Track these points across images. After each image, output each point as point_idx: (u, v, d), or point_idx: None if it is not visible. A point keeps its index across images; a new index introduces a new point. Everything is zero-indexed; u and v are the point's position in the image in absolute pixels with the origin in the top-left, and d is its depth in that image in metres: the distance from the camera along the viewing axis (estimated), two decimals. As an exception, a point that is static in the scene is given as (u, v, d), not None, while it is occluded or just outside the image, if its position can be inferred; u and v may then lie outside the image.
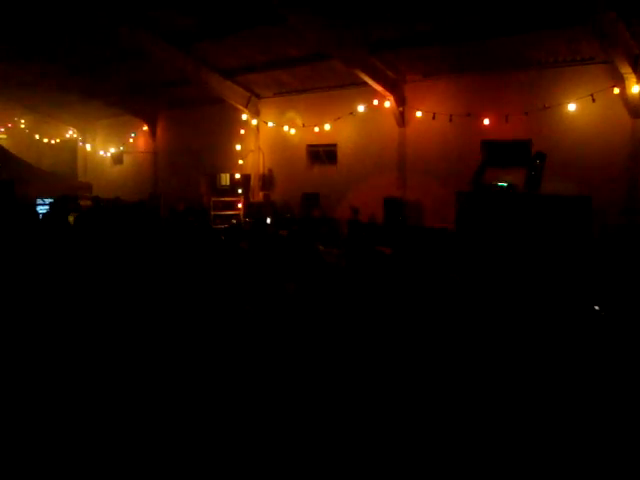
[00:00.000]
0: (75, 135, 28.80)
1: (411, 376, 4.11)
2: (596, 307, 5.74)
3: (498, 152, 13.33)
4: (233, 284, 5.47)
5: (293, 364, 4.31)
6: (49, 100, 24.54)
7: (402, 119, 15.06)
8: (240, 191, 19.27)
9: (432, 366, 4.18)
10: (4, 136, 29.26)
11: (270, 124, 18.50)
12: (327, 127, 16.48)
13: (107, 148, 26.79)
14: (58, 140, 28.74)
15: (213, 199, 19.72)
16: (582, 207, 10.23)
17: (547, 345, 4.33)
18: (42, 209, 16.85)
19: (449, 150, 14.03)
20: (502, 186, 11.46)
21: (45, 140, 28.72)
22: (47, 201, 17.97)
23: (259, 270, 5.87)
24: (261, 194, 18.78)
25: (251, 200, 19.09)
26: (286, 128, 17.78)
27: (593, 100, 11.59)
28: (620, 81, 11.35)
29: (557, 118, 12.25)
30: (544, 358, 4.17)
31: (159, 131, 24.28)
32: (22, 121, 29.27)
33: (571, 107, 11.98)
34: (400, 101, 14.93)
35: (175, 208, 17.92)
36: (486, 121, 13.20)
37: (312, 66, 15.90)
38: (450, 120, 13.71)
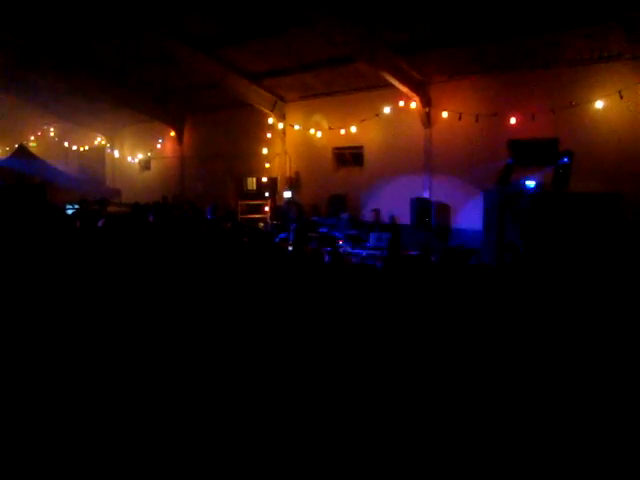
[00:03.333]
0: (103, 142, 29.10)
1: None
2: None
3: (525, 151, 13.28)
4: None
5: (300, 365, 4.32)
6: (78, 108, 24.87)
7: (428, 120, 15.06)
8: (267, 194, 19.39)
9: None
10: (34, 144, 29.70)
11: (296, 127, 18.60)
12: (353, 129, 16.51)
13: (135, 154, 27.04)
14: (87, 147, 29.06)
15: (240, 202, 19.88)
16: (612, 204, 10.19)
17: (581, 342, 4.29)
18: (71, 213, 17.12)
19: (475, 150, 14.01)
20: (530, 185, 11.42)
21: (74, 147, 29.07)
22: (75, 206, 18.19)
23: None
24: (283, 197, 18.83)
25: (278, 203, 19.19)
26: (312, 131, 17.88)
27: (621, 97, 11.49)
28: (648, 77, 11.30)
29: (584, 116, 12.16)
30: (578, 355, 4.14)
31: (186, 136, 24.45)
32: (51, 129, 29.70)
33: (598, 104, 11.90)
34: (426, 102, 14.93)
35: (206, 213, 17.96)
36: (512, 120, 13.16)
37: (338, 69, 15.95)
38: (476, 120, 13.69)
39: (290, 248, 14.02)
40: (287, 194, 17.99)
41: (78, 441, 3.80)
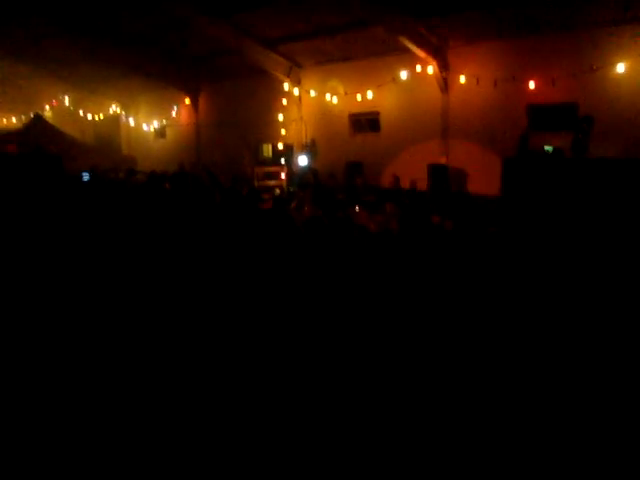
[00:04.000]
0: (118, 110, 29.05)
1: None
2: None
3: (544, 116, 13.14)
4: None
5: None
6: (92, 76, 24.80)
7: (445, 85, 14.91)
8: (283, 161, 19.32)
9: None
10: (49, 113, 29.73)
11: (312, 93, 18.46)
12: (369, 95, 16.37)
13: (150, 122, 27.01)
14: (102, 115, 29.03)
15: (256, 169, 19.82)
16: (633, 170, 10.08)
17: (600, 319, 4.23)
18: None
19: (493, 115, 13.88)
20: (548, 151, 11.31)
21: (89, 116, 29.05)
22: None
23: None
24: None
25: (294, 170, 19.13)
26: (328, 97, 17.74)
27: (643, 60, 11.34)
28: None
29: (605, 80, 11.98)
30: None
31: (201, 104, 24.37)
32: (66, 98, 29.66)
33: (620, 68, 11.71)
34: (443, 67, 14.76)
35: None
36: (531, 85, 13.00)
37: (354, 34, 15.78)
38: (494, 85, 13.53)
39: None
40: (303, 161, 17.84)
41: (78, 439, 3.80)
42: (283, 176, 19.23)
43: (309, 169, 17.19)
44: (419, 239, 5.80)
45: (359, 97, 16.70)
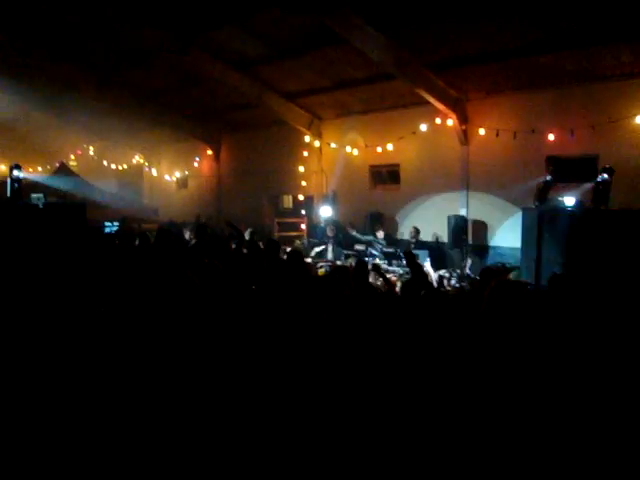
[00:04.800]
0: (141, 161, 29.50)
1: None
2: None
3: (564, 168, 13.10)
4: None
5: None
6: (116, 128, 25.25)
7: (465, 137, 15.01)
8: (303, 212, 19.45)
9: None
10: (74, 162, 30.23)
11: (333, 145, 18.64)
12: (389, 147, 16.47)
13: (172, 173, 27.38)
14: (125, 166, 29.47)
15: (277, 220, 19.98)
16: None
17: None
18: (109, 230, 17.40)
19: (513, 167, 13.89)
20: (569, 202, 11.29)
21: (113, 166, 29.50)
22: (115, 224, 18.45)
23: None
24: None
25: (314, 221, 19.23)
26: (349, 149, 17.86)
27: (662, 112, 11.36)
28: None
29: (624, 131, 11.98)
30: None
31: (223, 155, 24.69)
32: (91, 148, 30.20)
33: (638, 120, 11.75)
34: (463, 119, 14.87)
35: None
36: (551, 137, 13.03)
37: (374, 87, 16.00)
38: (514, 137, 13.57)
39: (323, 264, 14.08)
40: (326, 211, 17.76)
41: (77, 441, 3.81)
42: (303, 227, 19.35)
43: (331, 221, 17.16)
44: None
45: (379, 149, 16.81)
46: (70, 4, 14.53)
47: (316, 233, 17.69)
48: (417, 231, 15.15)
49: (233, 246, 10.65)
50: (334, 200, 17.72)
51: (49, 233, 11.14)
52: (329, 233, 15.52)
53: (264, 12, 13.48)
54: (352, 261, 13.49)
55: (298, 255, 7.32)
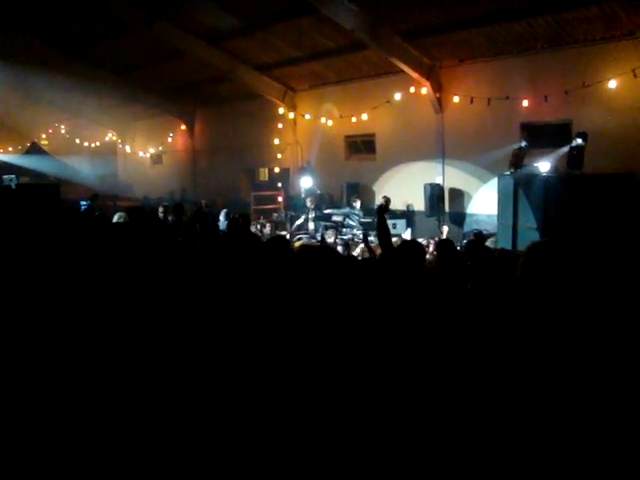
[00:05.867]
0: (114, 137, 29.20)
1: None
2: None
3: (538, 134, 13.20)
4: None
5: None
6: (88, 105, 24.94)
7: (439, 105, 14.99)
8: (280, 185, 19.38)
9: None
10: (46, 142, 29.85)
11: (307, 117, 18.54)
12: (364, 117, 16.40)
13: (146, 149, 27.15)
14: (98, 143, 29.17)
15: (253, 194, 19.90)
16: (627, 184, 10.13)
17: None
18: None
19: (488, 134, 13.91)
20: (544, 167, 11.35)
21: (85, 144, 29.17)
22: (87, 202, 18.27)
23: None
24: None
25: (291, 193, 19.18)
26: (323, 120, 17.77)
27: (635, 75, 11.35)
28: (662, 54, 11.18)
29: (598, 96, 12.00)
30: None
31: (197, 129, 24.52)
32: (62, 126, 29.80)
33: (612, 84, 11.76)
34: (437, 87, 14.84)
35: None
36: (525, 103, 13.04)
37: (347, 57, 15.92)
38: (488, 104, 13.56)
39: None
40: (307, 182, 17.33)
41: (77, 441, 3.79)
42: (280, 199, 19.28)
43: (312, 192, 16.97)
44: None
45: (354, 119, 16.75)
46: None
47: (294, 205, 17.61)
48: (387, 200, 15.13)
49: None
50: (312, 171, 17.61)
51: (23, 214, 11.01)
52: (309, 204, 15.40)
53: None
54: (331, 232, 13.50)
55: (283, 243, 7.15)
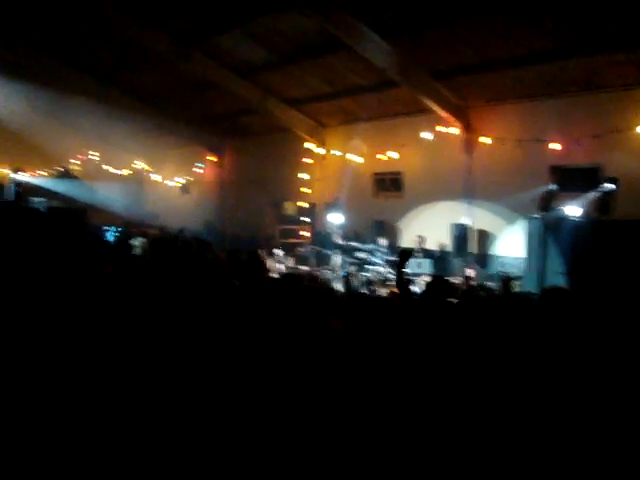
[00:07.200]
0: (144, 166, 29.46)
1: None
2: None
3: (568, 177, 13.10)
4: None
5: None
6: (120, 133, 25.21)
7: (468, 145, 14.95)
8: (308, 219, 19.37)
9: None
10: (77, 167, 30.19)
11: (336, 153, 18.58)
12: (393, 155, 16.43)
13: (175, 178, 27.32)
14: (127, 171, 29.43)
15: (279, 227, 19.92)
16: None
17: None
18: (110, 236, 17.32)
19: (517, 176, 13.79)
20: (573, 212, 11.26)
21: (114, 171, 29.43)
22: (114, 229, 18.39)
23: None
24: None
25: (317, 229, 19.16)
26: (352, 156, 17.80)
27: (666, 123, 11.30)
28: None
29: (629, 141, 11.93)
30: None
31: (226, 161, 24.66)
32: (92, 152, 30.13)
33: (643, 129, 11.70)
34: (466, 127, 14.84)
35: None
36: (555, 146, 12.97)
37: (378, 94, 15.95)
38: (518, 146, 13.53)
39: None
40: (337, 219, 17.25)
41: (77, 441, 3.78)
42: (307, 234, 19.25)
43: (337, 229, 16.88)
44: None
45: (383, 157, 16.77)
46: (71, 6, 14.56)
47: (322, 241, 17.57)
48: (422, 239, 15.05)
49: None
50: (342, 207, 17.58)
51: (51, 236, 11.11)
52: (337, 241, 15.41)
53: (266, 16, 13.50)
54: (354, 269, 13.48)
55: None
